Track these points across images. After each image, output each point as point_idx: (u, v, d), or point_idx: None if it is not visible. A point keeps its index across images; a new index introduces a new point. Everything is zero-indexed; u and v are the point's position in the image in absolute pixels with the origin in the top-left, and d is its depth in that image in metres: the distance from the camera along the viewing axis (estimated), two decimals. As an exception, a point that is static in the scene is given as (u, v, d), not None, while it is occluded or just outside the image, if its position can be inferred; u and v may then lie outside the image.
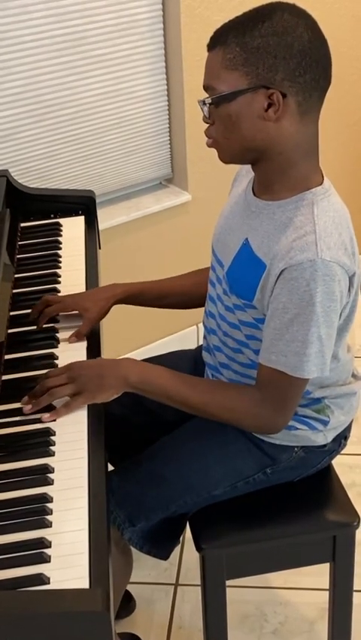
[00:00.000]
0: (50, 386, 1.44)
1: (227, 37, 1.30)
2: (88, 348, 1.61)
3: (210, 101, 1.34)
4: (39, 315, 1.67)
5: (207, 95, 1.35)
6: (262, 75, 1.29)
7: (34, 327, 1.67)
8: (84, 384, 1.43)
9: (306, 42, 1.28)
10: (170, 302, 1.77)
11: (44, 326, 1.67)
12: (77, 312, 1.67)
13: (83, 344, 1.63)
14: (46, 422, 1.41)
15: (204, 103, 1.35)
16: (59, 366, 1.54)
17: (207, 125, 1.39)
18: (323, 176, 1.41)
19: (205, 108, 1.36)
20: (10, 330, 1.64)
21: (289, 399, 1.43)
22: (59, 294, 1.74)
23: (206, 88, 1.36)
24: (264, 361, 1.40)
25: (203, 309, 1.66)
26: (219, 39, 1.31)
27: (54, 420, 1.41)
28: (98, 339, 1.66)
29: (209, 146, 1.41)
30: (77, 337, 1.63)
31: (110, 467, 1.61)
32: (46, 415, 1.42)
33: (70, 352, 1.59)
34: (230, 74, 1.31)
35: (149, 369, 1.50)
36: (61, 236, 1.99)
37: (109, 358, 1.53)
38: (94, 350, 1.61)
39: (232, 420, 1.49)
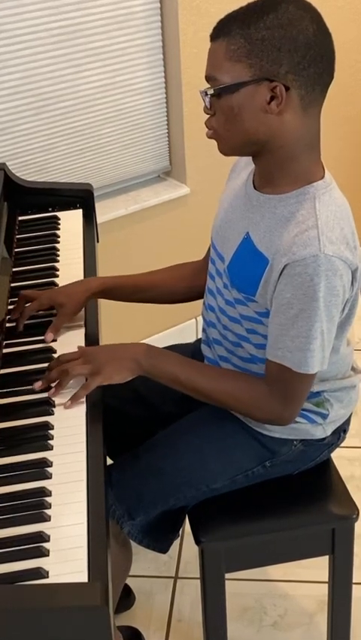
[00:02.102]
0: (67, 367, 1.45)
1: (231, 28, 1.29)
2: (86, 343, 1.61)
3: (212, 92, 1.33)
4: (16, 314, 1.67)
5: (209, 86, 1.34)
6: (266, 67, 1.28)
7: (33, 321, 1.66)
8: (101, 366, 1.45)
9: (311, 35, 1.27)
10: (148, 296, 1.75)
11: (43, 320, 1.66)
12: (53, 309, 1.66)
13: (82, 339, 1.62)
14: (68, 408, 1.43)
15: (206, 93, 1.34)
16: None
17: (208, 115, 1.38)
18: (324, 170, 1.40)
19: (207, 99, 1.34)
20: (8, 325, 1.64)
21: (296, 393, 1.43)
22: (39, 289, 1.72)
23: (208, 78, 1.34)
24: (270, 357, 1.40)
25: (202, 301, 1.66)
26: (223, 29, 1.30)
27: (74, 403, 1.44)
28: (96, 332, 1.65)
29: (209, 137, 1.40)
30: (52, 332, 1.62)
31: (109, 461, 1.61)
32: (68, 402, 1.44)
33: (68, 347, 1.58)
34: (233, 66, 1.29)
35: (161, 354, 1.51)
36: (59, 229, 1.98)
37: (122, 343, 1.54)
38: (93, 345, 1.61)
39: (239, 409, 1.50)
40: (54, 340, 1.61)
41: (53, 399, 1.44)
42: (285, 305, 1.34)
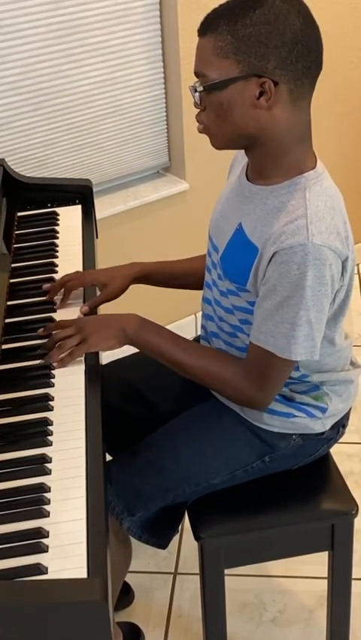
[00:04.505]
0: (57, 339, 1.51)
1: (218, 24, 1.29)
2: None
3: (201, 88, 1.33)
4: (51, 289, 1.72)
5: (198, 81, 1.34)
6: (254, 64, 1.28)
7: (32, 317, 1.66)
8: (88, 334, 1.50)
9: (298, 30, 1.27)
10: (185, 282, 1.79)
11: (42, 316, 1.66)
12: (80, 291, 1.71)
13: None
14: (57, 367, 1.51)
15: (195, 90, 1.34)
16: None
17: (198, 110, 1.38)
18: (316, 160, 1.40)
19: (196, 94, 1.35)
20: (7, 320, 1.64)
21: (272, 378, 1.43)
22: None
23: (197, 74, 1.35)
24: (253, 340, 1.41)
25: (201, 299, 1.66)
26: (211, 25, 1.30)
27: (62, 366, 1.51)
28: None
29: (200, 131, 1.40)
30: (89, 307, 1.66)
31: (109, 457, 1.61)
32: (55, 364, 1.50)
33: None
34: (221, 62, 1.30)
35: (148, 325, 1.54)
36: (58, 225, 1.98)
37: (115, 313, 1.57)
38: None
39: (215, 387, 1.54)
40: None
41: (52, 394, 1.44)
42: (271, 291, 1.35)
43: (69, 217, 2.01)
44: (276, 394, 1.48)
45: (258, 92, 1.29)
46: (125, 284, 1.71)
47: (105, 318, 1.56)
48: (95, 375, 1.50)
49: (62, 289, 1.70)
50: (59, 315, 1.66)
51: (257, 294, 1.41)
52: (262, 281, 1.38)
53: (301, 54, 1.28)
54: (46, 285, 1.73)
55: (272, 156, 1.38)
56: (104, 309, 1.74)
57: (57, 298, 1.70)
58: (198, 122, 1.39)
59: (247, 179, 1.46)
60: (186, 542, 2.20)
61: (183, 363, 1.51)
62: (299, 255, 1.30)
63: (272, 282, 1.34)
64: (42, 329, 1.58)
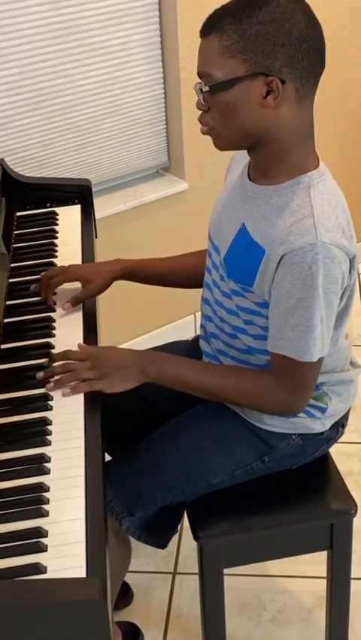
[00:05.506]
0: (73, 368, 1.45)
1: (223, 24, 1.29)
2: (85, 340, 1.60)
3: (206, 89, 1.33)
4: (40, 289, 1.71)
5: (202, 82, 1.34)
6: (261, 62, 1.28)
7: (31, 317, 1.66)
8: (107, 373, 1.45)
9: (304, 28, 1.28)
10: (171, 280, 1.78)
11: (41, 316, 1.66)
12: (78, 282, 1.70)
13: (80, 335, 1.62)
14: (65, 396, 1.44)
15: (201, 90, 1.34)
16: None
17: (201, 112, 1.38)
18: (318, 160, 1.40)
19: (201, 95, 1.34)
20: (6, 320, 1.64)
21: (304, 381, 1.43)
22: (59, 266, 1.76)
23: (201, 75, 1.34)
24: (272, 348, 1.41)
25: (200, 296, 1.66)
26: (215, 25, 1.30)
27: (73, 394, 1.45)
28: (95, 329, 1.65)
29: (204, 133, 1.40)
30: (71, 303, 1.66)
31: (108, 457, 1.61)
32: (67, 390, 1.44)
33: (67, 342, 1.58)
34: (227, 62, 1.29)
35: (167, 361, 1.51)
36: (57, 225, 1.98)
37: (129, 349, 1.53)
38: (91, 342, 1.60)
39: (249, 405, 1.51)
40: (53, 336, 1.61)
41: (52, 394, 1.44)
42: (284, 295, 1.35)
43: (68, 217, 2.01)
44: (310, 395, 1.48)
45: (265, 91, 1.30)
46: (108, 281, 1.70)
47: (121, 355, 1.50)
48: (95, 374, 1.50)
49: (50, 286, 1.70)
50: (59, 315, 1.66)
51: (263, 296, 1.41)
52: (271, 284, 1.38)
53: (306, 52, 1.28)
54: (33, 286, 1.72)
55: (276, 156, 1.38)
56: (102, 308, 1.74)
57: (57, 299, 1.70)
58: (201, 123, 1.39)
59: (249, 179, 1.46)
60: (185, 542, 2.20)
61: (211, 388, 1.49)
62: (310, 255, 1.30)
63: (284, 284, 1.34)
64: (41, 373, 1.47)
